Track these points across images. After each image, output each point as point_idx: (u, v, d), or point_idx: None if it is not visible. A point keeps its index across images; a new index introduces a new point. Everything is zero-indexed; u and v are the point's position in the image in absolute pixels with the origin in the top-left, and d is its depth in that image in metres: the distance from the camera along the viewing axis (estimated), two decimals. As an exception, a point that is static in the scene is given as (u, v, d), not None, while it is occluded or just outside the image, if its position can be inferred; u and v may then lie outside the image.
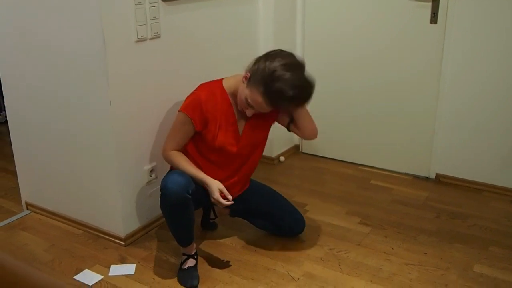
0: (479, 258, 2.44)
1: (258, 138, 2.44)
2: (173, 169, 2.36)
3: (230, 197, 2.20)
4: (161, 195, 2.17)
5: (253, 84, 2.15)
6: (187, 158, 2.31)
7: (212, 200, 2.22)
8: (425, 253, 2.48)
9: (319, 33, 3.46)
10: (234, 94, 2.29)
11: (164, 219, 2.76)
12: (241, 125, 2.35)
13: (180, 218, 2.21)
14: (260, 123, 2.39)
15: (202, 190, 2.25)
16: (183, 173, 2.20)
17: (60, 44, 2.37)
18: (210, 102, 2.25)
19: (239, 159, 2.39)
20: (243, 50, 3.22)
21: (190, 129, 2.27)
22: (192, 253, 2.31)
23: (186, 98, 2.32)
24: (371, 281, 2.27)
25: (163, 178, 2.22)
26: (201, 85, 2.35)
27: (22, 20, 2.47)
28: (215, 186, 2.20)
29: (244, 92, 2.19)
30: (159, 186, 2.66)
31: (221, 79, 2.37)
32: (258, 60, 2.21)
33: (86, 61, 2.31)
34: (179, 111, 2.29)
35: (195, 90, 2.33)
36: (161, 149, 2.39)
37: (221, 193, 2.20)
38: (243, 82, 2.22)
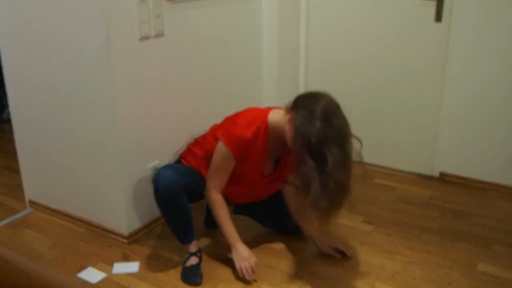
0: (483, 257, 2.43)
1: (285, 172, 2.39)
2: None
3: (254, 276, 2.23)
4: (153, 189, 2.22)
5: (296, 137, 2.00)
6: (227, 211, 2.28)
7: (237, 266, 2.23)
8: (429, 252, 2.48)
9: (323, 31, 3.45)
10: (275, 130, 2.15)
11: (167, 217, 2.77)
12: (273, 157, 2.30)
13: (174, 213, 2.24)
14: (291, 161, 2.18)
15: (199, 184, 2.29)
16: (174, 166, 2.29)
17: (63, 43, 2.38)
18: (253, 141, 2.16)
19: (264, 186, 2.39)
20: (247, 49, 3.22)
21: (232, 163, 2.21)
22: (195, 251, 2.31)
23: (232, 128, 2.16)
24: (374, 279, 2.27)
25: (156, 172, 2.25)
26: (249, 116, 2.18)
27: (26, 18, 2.47)
28: (247, 256, 2.24)
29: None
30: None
31: (268, 111, 2.21)
32: (304, 106, 2.03)
33: (90, 60, 2.31)
34: (222, 142, 2.16)
35: (241, 121, 2.16)
36: (206, 186, 2.28)
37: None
38: (288, 123, 2.06)
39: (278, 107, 2.23)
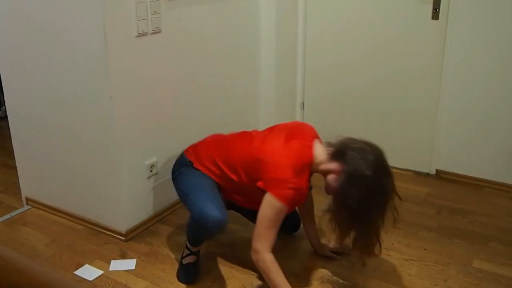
0: (479, 254, 2.44)
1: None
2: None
3: None
4: (200, 224, 2.02)
5: (342, 196, 1.96)
6: (281, 270, 2.01)
7: None
8: (425, 249, 2.49)
9: (321, 29, 3.45)
10: (315, 169, 2.07)
11: (164, 214, 2.77)
12: None
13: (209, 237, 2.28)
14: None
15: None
16: (211, 198, 2.07)
17: (61, 39, 2.37)
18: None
19: None
20: (245, 46, 3.22)
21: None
22: (195, 251, 2.30)
23: (284, 184, 1.93)
24: (371, 276, 2.28)
25: (195, 203, 2.06)
26: (294, 158, 1.98)
27: (23, 14, 2.46)
28: None
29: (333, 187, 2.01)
30: (161, 181, 2.67)
31: (312, 146, 2.09)
32: (353, 163, 1.96)
33: (87, 56, 2.31)
34: (277, 200, 1.94)
35: (289, 171, 1.95)
36: (253, 249, 2.00)
37: None
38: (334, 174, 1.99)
39: (318, 140, 2.15)
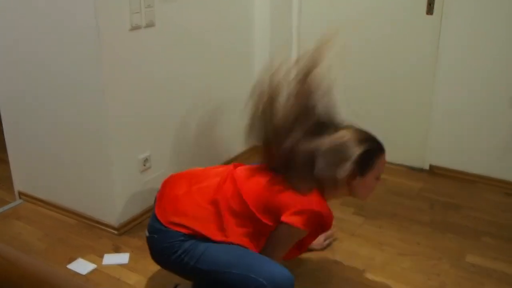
0: (472, 249, 2.45)
1: None
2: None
3: None
4: None
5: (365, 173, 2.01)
6: None
7: None
8: (418, 243, 2.50)
9: (315, 24, 3.44)
10: None
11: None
12: None
13: None
14: None
15: None
16: (273, 260, 1.83)
17: (53, 32, 2.35)
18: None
19: None
20: (239, 40, 3.21)
21: None
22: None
23: (305, 209, 1.84)
24: (364, 270, 2.29)
25: (251, 273, 1.75)
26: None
27: (16, 7, 2.44)
28: None
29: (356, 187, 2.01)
30: (154, 175, 2.67)
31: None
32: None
33: (80, 49, 2.30)
34: (297, 228, 1.83)
35: (315, 197, 1.88)
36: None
37: None
38: (348, 182, 1.95)
39: None
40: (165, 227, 1.83)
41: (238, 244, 1.82)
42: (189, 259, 1.79)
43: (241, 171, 2.00)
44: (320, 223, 1.90)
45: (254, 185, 1.91)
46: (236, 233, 1.83)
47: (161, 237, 1.84)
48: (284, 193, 1.87)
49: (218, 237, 1.82)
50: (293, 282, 1.76)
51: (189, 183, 1.95)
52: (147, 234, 1.92)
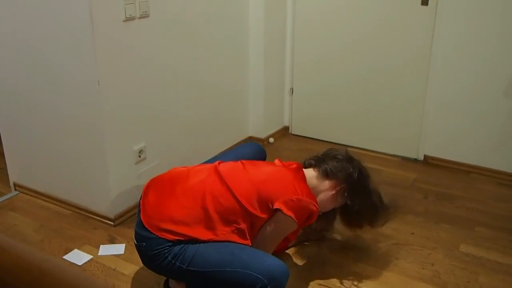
0: (466, 238, 2.47)
1: None
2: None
3: None
4: (269, 284, 1.72)
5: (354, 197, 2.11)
6: None
7: None
8: (412, 233, 2.51)
9: (310, 14, 3.44)
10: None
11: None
12: None
13: None
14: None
15: None
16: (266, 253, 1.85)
17: (47, 24, 2.34)
18: None
19: None
20: (233, 31, 3.21)
21: None
22: None
23: (302, 207, 1.89)
24: (358, 260, 2.30)
25: (247, 268, 1.74)
26: (304, 188, 1.96)
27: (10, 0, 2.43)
28: None
29: (337, 201, 2.13)
30: (149, 166, 2.67)
31: (303, 176, 2.08)
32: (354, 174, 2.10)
33: (74, 41, 2.29)
34: (289, 217, 1.86)
35: (302, 191, 1.92)
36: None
37: None
38: (334, 193, 2.09)
39: (297, 168, 2.11)
40: (152, 234, 1.80)
41: (228, 240, 1.82)
42: (181, 263, 1.78)
43: (224, 166, 2.00)
44: (308, 214, 1.94)
45: (243, 177, 1.92)
46: (225, 231, 1.83)
47: (149, 245, 1.82)
48: (275, 182, 1.92)
49: (207, 236, 1.81)
50: (289, 273, 1.78)
51: (173, 184, 1.93)
52: (135, 242, 1.90)
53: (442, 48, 3.02)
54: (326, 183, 2.10)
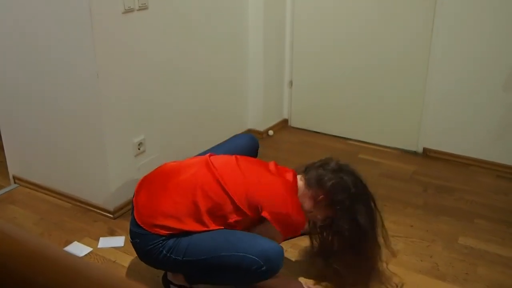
0: (465, 231, 2.48)
1: None
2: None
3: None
4: (267, 268, 1.75)
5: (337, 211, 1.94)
6: None
7: None
8: (412, 226, 2.52)
9: (309, 6, 3.43)
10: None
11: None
12: None
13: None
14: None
15: None
16: (246, 233, 1.86)
17: (45, 17, 2.33)
18: None
19: None
20: (232, 23, 3.20)
21: None
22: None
23: (290, 222, 1.87)
24: (358, 252, 2.30)
25: (240, 251, 1.76)
26: (293, 198, 1.91)
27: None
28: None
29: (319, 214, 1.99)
30: (149, 159, 2.67)
31: (296, 187, 1.98)
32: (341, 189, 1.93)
33: (73, 33, 2.28)
34: (274, 228, 1.86)
35: (292, 200, 1.89)
36: None
37: None
38: (316, 204, 1.95)
39: (287, 173, 2.02)
40: (145, 230, 1.81)
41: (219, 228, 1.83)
42: (177, 255, 1.79)
43: (217, 159, 1.97)
44: (294, 229, 1.92)
45: (235, 174, 1.89)
46: (214, 226, 1.82)
47: (143, 241, 1.84)
48: (267, 190, 1.87)
49: (198, 229, 1.81)
50: (283, 254, 1.79)
51: (164, 181, 1.92)
52: (130, 240, 1.92)
53: (441, 40, 3.02)
54: (309, 192, 1.96)
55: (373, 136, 3.46)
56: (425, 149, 3.30)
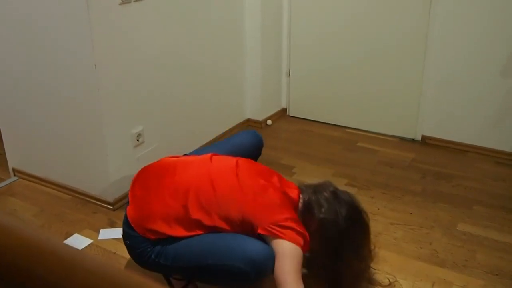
0: (463, 217, 2.49)
1: None
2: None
3: None
4: (255, 271, 1.66)
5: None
6: None
7: None
8: (410, 213, 2.53)
9: (306, -6, 3.42)
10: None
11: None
12: None
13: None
14: None
15: None
16: (236, 235, 1.76)
17: (43, 8, 2.33)
18: None
19: None
20: (229, 12, 3.19)
21: None
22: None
23: (296, 232, 1.73)
24: (357, 240, 2.31)
25: (227, 256, 1.70)
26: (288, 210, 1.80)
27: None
28: None
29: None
30: (148, 150, 2.67)
31: (297, 205, 1.90)
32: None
33: (70, 24, 2.27)
34: (293, 244, 1.70)
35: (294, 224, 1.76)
36: None
37: None
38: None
39: (289, 186, 1.94)
40: (135, 232, 1.79)
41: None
42: (165, 261, 1.77)
43: (218, 163, 1.91)
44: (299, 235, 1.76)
45: (232, 189, 1.81)
46: (205, 230, 1.77)
47: (133, 243, 1.82)
48: (260, 208, 1.78)
49: (186, 234, 1.76)
50: (273, 256, 1.69)
51: (159, 177, 1.88)
52: (123, 240, 1.90)
53: (439, 28, 3.01)
54: (304, 217, 1.85)
55: (372, 124, 3.47)
56: (423, 137, 3.30)
